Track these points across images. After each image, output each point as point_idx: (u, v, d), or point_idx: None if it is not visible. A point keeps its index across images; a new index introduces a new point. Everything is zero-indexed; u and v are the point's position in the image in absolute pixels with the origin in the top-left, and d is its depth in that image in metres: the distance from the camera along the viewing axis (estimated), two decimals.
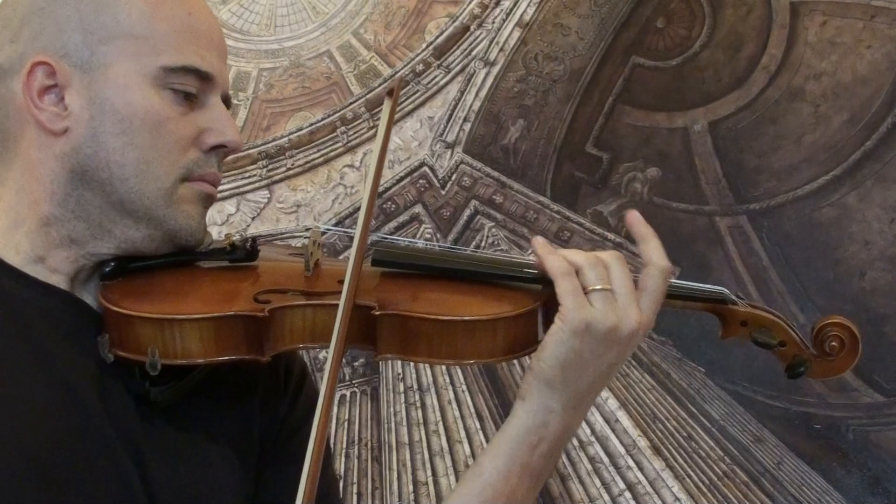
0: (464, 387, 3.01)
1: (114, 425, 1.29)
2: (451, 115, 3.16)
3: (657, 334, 2.89)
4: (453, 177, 3.13)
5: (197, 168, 1.35)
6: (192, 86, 1.34)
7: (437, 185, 3.14)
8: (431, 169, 3.15)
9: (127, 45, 1.32)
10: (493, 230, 3.09)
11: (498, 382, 2.96)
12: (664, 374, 2.88)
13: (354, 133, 3.23)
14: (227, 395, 1.39)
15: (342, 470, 2.96)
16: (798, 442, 2.76)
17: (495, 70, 3.14)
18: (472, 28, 3.18)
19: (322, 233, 1.44)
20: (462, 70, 3.17)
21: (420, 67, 3.20)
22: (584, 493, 2.86)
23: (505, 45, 3.14)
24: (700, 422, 2.84)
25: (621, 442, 2.87)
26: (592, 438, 2.87)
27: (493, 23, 3.16)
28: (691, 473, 2.81)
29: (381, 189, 3.13)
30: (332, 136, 3.25)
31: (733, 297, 1.43)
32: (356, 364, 3.07)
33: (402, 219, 3.15)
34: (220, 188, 1.42)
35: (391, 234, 3.11)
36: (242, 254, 1.40)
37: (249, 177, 3.25)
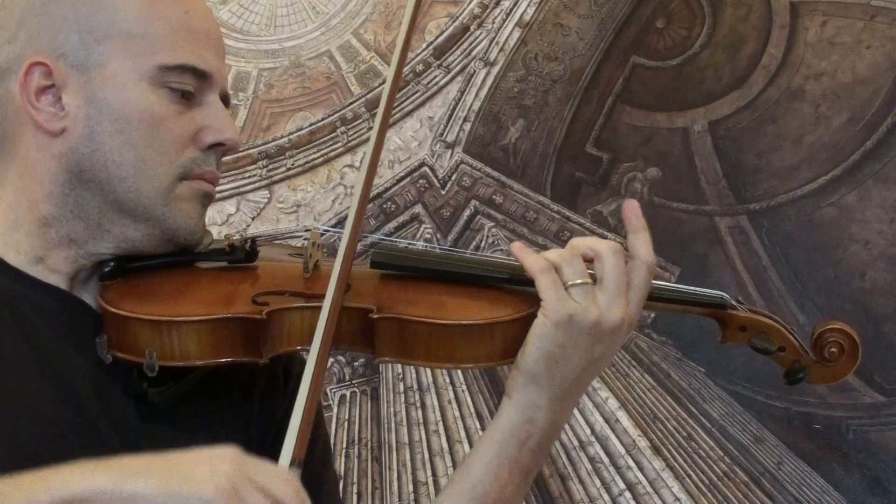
0: (464, 387, 3.00)
1: (112, 425, 1.29)
2: (451, 115, 3.16)
3: (657, 334, 2.89)
4: (453, 177, 3.13)
5: (195, 167, 1.35)
6: (190, 84, 1.34)
7: (437, 185, 3.14)
8: (431, 169, 3.15)
9: (123, 45, 1.32)
10: (493, 230, 3.09)
11: (498, 382, 2.96)
12: (664, 374, 2.88)
13: (354, 133, 3.23)
14: (226, 396, 1.38)
15: (342, 470, 2.96)
16: (798, 442, 2.76)
17: (495, 70, 3.14)
18: (472, 28, 3.17)
19: (321, 234, 1.43)
20: (462, 70, 3.17)
21: (420, 67, 3.19)
22: (584, 493, 2.86)
23: (505, 45, 3.14)
24: (700, 422, 2.83)
25: (621, 442, 2.87)
26: (592, 438, 2.87)
27: (493, 23, 3.15)
28: (691, 473, 2.81)
29: (380, 189, 3.13)
30: (332, 136, 3.24)
31: (733, 302, 1.42)
32: (356, 364, 3.06)
33: (402, 219, 3.15)
34: (220, 188, 1.42)
35: (391, 234, 3.10)
36: (241, 255, 1.39)
37: (249, 177, 3.24)
